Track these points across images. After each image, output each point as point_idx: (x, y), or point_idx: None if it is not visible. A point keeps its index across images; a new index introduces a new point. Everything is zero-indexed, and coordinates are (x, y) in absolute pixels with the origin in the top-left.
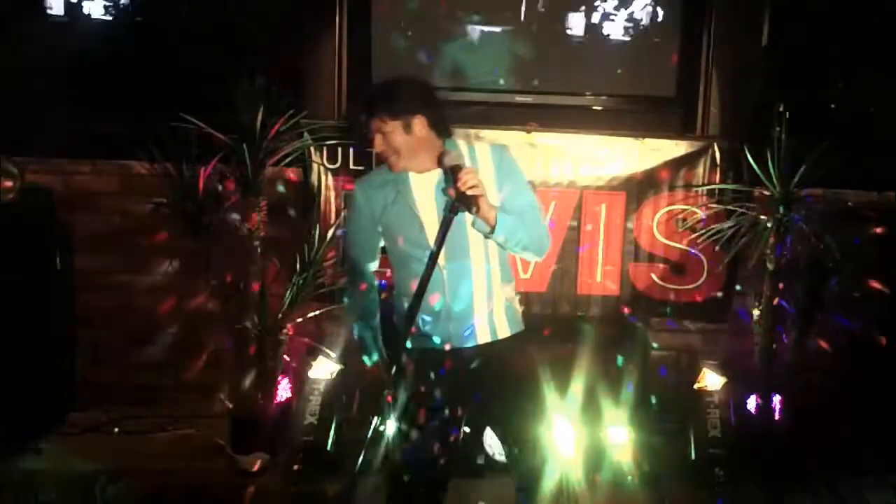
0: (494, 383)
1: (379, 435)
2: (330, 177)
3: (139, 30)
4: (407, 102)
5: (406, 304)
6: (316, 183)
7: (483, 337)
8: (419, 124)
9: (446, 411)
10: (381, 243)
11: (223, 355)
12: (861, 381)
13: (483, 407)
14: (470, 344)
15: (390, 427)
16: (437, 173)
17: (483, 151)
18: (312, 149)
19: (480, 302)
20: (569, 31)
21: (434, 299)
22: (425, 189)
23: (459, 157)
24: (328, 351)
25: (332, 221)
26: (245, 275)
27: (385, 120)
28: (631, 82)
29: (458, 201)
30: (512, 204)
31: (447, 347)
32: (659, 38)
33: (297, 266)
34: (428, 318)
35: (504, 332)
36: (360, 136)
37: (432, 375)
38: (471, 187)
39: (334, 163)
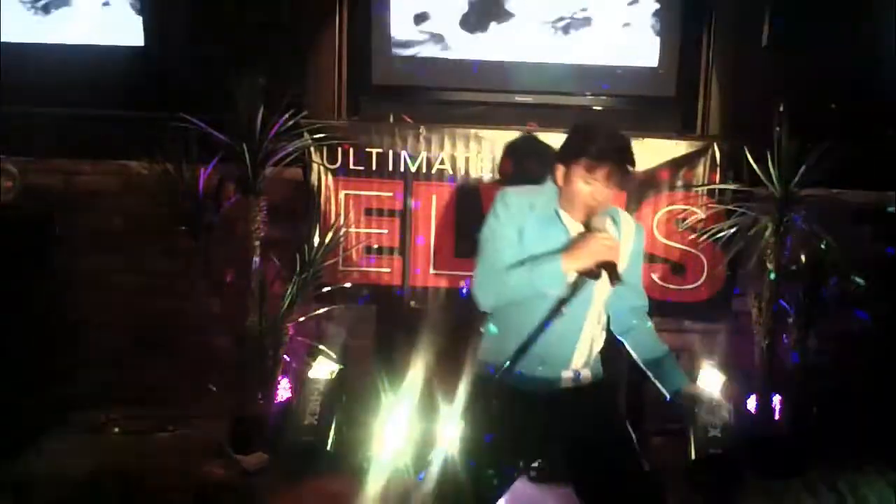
0: (568, 428)
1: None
2: (330, 177)
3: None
4: (633, 162)
5: (507, 336)
6: (316, 183)
7: (566, 384)
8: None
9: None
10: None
11: (223, 355)
12: (861, 382)
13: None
14: (549, 389)
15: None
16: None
17: (627, 224)
18: (312, 149)
19: (580, 357)
20: (569, 31)
21: (540, 342)
22: (576, 228)
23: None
24: (328, 351)
25: (332, 221)
26: (245, 275)
27: (623, 172)
28: (631, 82)
29: (605, 268)
30: (630, 275)
31: (528, 387)
32: (659, 38)
33: (297, 266)
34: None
35: (587, 380)
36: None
37: (510, 412)
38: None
39: (334, 163)
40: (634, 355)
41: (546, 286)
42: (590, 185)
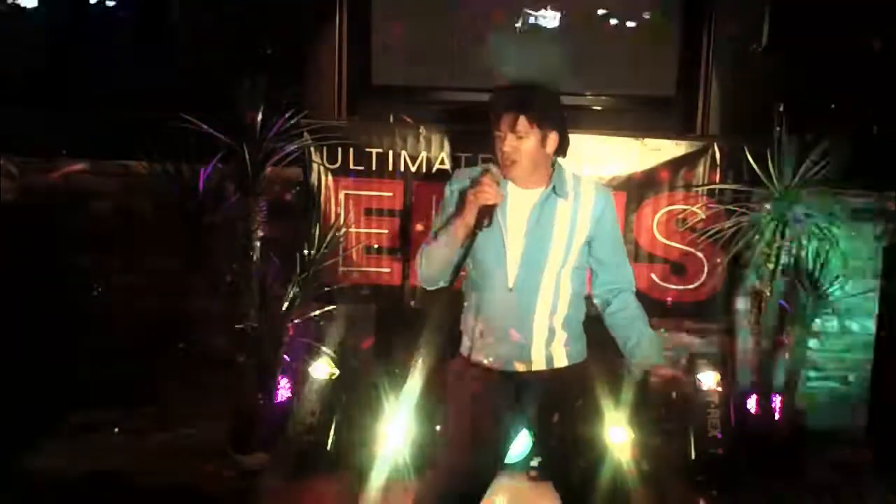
0: (542, 408)
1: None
2: (330, 177)
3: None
4: (553, 114)
5: (472, 310)
6: (316, 183)
7: (538, 365)
8: (552, 141)
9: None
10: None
11: (223, 355)
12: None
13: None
14: (520, 369)
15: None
16: (538, 193)
17: (587, 189)
18: (312, 149)
19: (540, 335)
20: (569, 31)
21: (497, 320)
22: (519, 206)
23: None
24: (328, 351)
25: (332, 221)
26: (245, 275)
27: (529, 124)
28: (631, 82)
29: (486, 213)
30: (599, 250)
31: (495, 366)
32: (659, 38)
33: (297, 266)
34: (486, 337)
35: (562, 362)
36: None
37: (479, 390)
38: None
39: (334, 163)
40: (612, 333)
41: (445, 246)
42: (499, 138)
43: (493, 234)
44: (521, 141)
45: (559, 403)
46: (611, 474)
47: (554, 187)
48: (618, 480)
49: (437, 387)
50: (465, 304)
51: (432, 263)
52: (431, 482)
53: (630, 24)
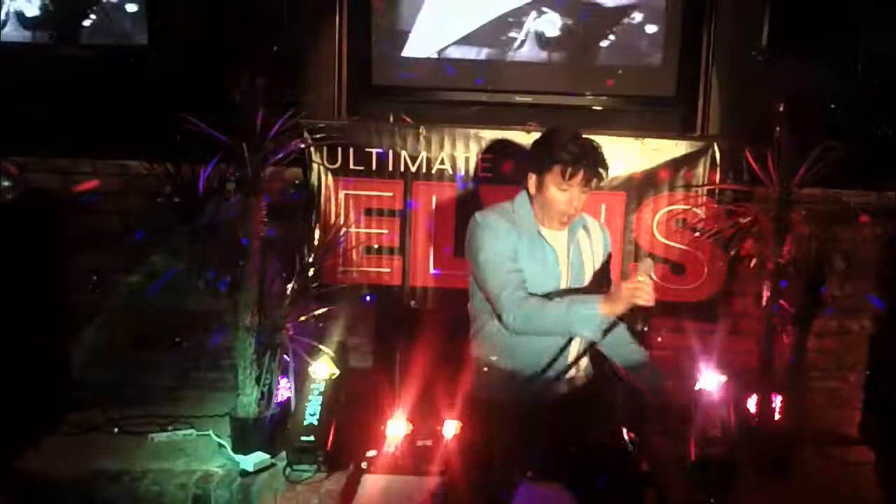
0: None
1: None
2: (330, 177)
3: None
4: (606, 165)
5: (504, 349)
6: (316, 183)
7: (563, 388)
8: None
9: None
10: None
11: (223, 355)
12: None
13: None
14: (547, 392)
15: None
16: (565, 232)
17: (596, 230)
18: (312, 149)
19: (573, 363)
20: (569, 30)
21: (534, 357)
22: (559, 244)
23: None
24: (328, 351)
25: (332, 221)
26: (245, 275)
27: (597, 176)
28: (631, 82)
29: (640, 311)
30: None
31: (521, 386)
32: (659, 38)
33: (297, 266)
34: (522, 371)
35: (581, 380)
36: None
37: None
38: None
39: (334, 163)
40: (606, 353)
41: (580, 327)
42: (565, 192)
43: (551, 275)
44: (585, 195)
45: (573, 413)
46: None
47: (584, 224)
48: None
49: (436, 387)
50: (496, 334)
51: (545, 324)
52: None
53: (630, 24)
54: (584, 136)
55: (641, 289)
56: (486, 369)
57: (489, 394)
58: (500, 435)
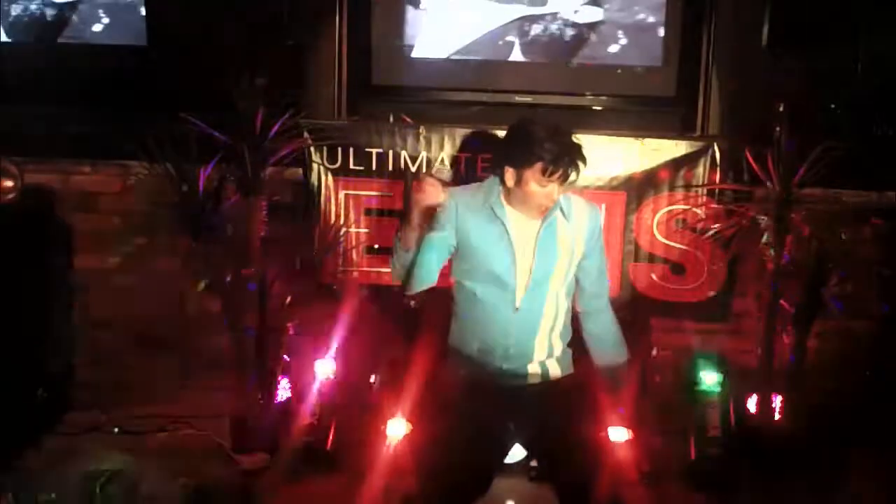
0: (536, 418)
1: None
2: (330, 177)
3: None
4: (586, 161)
5: (468, 331)
6: (316, 183)
7: (534, 379)
8: None
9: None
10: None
11: (223, 355)
12: (861, 380)
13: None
14: (516, 384)
15: None
16: (538, 223)
17: (579, 208)
18: (312, 149)
19: (542, 349)
20: (569, 30)
21: (499, 340)
22: (525, 231)
23: None
24: (327, 350)
25: (332, 221)
26: (245, 275)
27: (577, 172)
28: (631, 82)
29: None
30: (589, 265)
31: (490, 380)
32: (659, 38)
33: (298, 266)
34: (485, 356)
35: (556, 374)
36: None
37: (472, 402)
38: None
39: (334, 163)
40: (585, 338)
41: (401, 249)
42: (545, 188)
43: (502, 257)
44: (560, 188)
45: (553, 412)
46: (610, 476)
47: (560, 209)
48: (617, 482)
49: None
50: (460, 320)
51: (399, 266)
52: (424, 485)
53: (630, 24)
54: (561, 129)
55: (423, 189)
56: (452, 357)
57: (454, 380)
58: (458, 431)
